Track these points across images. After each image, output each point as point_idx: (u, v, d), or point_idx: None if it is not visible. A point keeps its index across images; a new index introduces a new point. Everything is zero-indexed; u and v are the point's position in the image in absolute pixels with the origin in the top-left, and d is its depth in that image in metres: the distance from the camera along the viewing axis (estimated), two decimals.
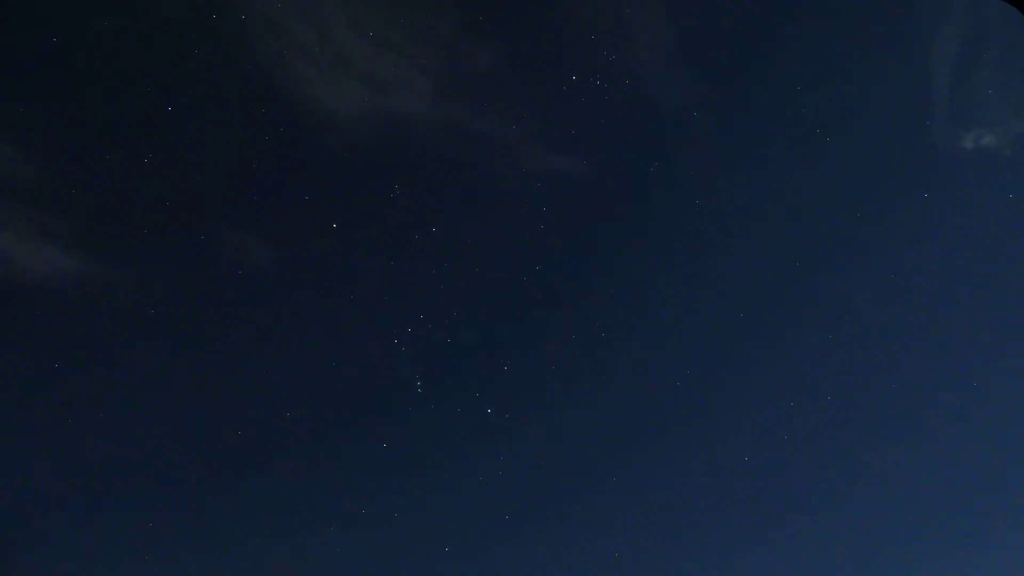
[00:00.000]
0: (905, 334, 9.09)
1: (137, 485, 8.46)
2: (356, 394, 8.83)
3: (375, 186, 8.27)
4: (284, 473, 8.79)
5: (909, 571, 9.53)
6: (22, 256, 7.71)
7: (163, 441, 8.54)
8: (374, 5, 7.72)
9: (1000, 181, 8.57)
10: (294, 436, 8.76)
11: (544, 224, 8.52)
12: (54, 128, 7.44)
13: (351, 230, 8.43)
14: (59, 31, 7.16)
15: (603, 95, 8.05)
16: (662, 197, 8.68)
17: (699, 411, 9.28)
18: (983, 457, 9.29)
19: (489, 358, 8.95)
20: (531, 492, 9.23)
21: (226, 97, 7.81)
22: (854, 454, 9.36)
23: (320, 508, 8.95)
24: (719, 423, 9.34)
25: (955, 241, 8.82)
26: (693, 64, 8.19)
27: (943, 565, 9.43)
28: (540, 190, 8.40)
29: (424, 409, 8.93)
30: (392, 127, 8.18)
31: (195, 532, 8.59)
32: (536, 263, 8.64)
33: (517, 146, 8.25)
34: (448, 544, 9.16)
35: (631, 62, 7.92)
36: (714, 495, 9.44)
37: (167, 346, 8.34)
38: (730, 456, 9.30)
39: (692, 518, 9.46)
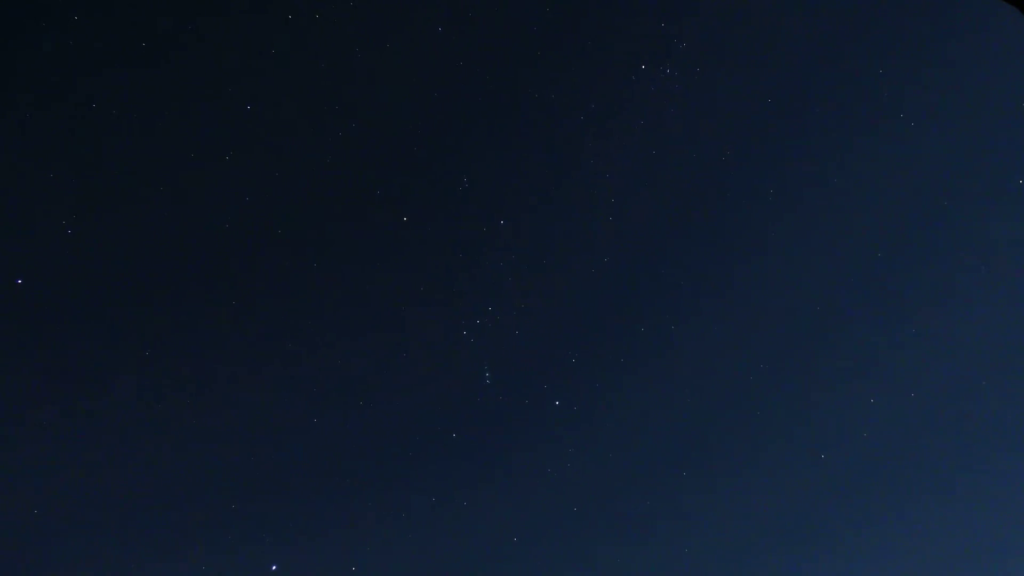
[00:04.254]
0: (1001, 330, 9.40)
1: (212, 478, 8.39)
2: (425, 385, 9.04)
3: (444, 179, 8.50)
4: (352, 463, 8.91)
5: None
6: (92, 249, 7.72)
7: (235, 434, 8.51)
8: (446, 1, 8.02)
9: None
10: (363, 427, 9.00)
11: (612, 216, 8.79)
12: (128, 126, 7.54)
13: (421, 223, 8.63)
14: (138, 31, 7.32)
15: (674, 83, 8.40)
16: (735, 187, 9.11)
17: (774, 407, 9.64)
18: None
19: (557, 351, 9.22)
20: (599, 486, 9.48)
21: (297, 95, 8.01)
22: (942, 454, 9.54)
23: (388, 499, 9.16)
24: (795, 420, 9.65)
25: None
26: (768, 52, 8.49)
27: None
28: (609, 181, 8.70)
29: (493, 401, 9.06)
30: (460, 120, 8.45)
31: (262, 524, 8.53)
32: (604, 255, 8.93)
33: (584, 137, 8.56)
34: (515, 535, 9.25)
35: (703, 50, 8.28)
36: (788, 493, 9.75)
37: (239, 339, 8.38)
38: (806, 454, 9.43)
39: (765, 516, 9.78)
